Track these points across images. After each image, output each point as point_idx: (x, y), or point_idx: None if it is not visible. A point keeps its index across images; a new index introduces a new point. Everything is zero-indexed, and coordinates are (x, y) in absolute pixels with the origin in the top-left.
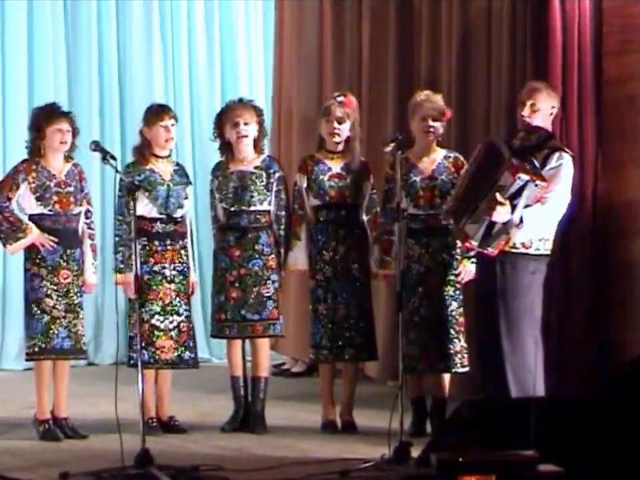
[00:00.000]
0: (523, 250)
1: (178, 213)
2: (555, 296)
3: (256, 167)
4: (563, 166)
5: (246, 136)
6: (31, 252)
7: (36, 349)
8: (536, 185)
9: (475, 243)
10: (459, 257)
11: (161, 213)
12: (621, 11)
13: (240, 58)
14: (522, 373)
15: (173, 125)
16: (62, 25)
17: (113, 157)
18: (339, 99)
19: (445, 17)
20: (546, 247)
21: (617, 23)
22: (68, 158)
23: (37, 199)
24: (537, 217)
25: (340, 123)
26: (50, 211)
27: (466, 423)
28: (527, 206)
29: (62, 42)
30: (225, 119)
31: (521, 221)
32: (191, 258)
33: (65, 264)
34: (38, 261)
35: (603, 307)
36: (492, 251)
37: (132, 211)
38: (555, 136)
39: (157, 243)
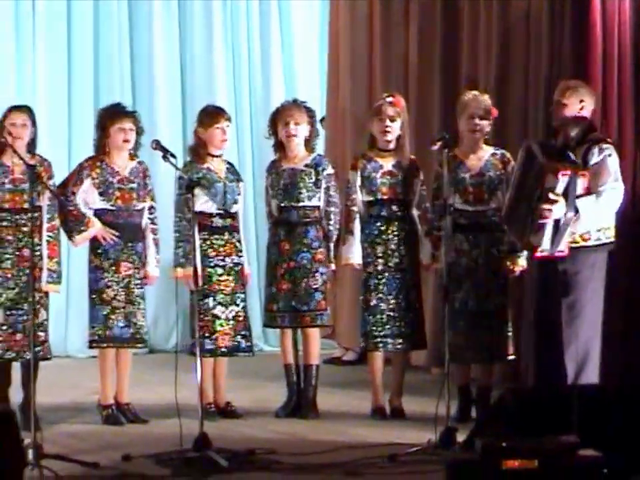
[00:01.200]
0: (583, 243)
1: (234, 208)
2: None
3: (306, 165)
4: (607, 157)
5: (295, 135)
6: (94, 245)
7: (97, 337)
8: (579, 177)
9: (545, 250)
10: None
11: (219, 209)
12: None
13: (296, 58)
14: (582, 362)
15: (227, 126)
16: (126, 26)
17: (173, 155)
18: (389, 99)
19: (485, 18)
20: (607, 236)
21: None
22: (133, 156)
23: (100, 194)
24: (592, 207)
25: (391, 122)
26: (112, 206)
27: (509, 409)
28: (578, 197)
29: (126, 43)
30: (278, 118)
31: (577, 211)
32: (245, 251)
33: (125, 257)
34: (100, 253)
35: None
36: (562, 251)
37: (191, 207)
38: (595, 127)
39: (216, 236)
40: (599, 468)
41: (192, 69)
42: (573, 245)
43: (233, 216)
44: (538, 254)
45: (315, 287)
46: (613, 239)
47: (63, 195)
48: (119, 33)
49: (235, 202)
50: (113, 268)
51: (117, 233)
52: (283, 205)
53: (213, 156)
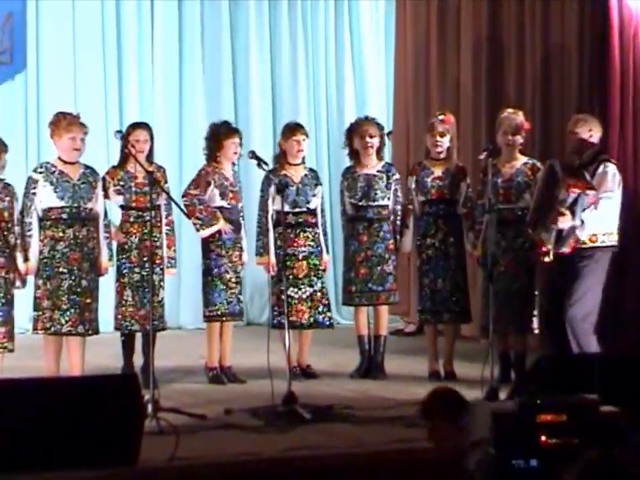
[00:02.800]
0: (590, 244)
1: (308, 207)
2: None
3: (378, 171)
4: (607, 172)
5: (372, 146)
6: (214, 236)
7: (215, 313)
8: (586, 195)
9: (550, 246)
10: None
11: (292, 208)
12: None
13: (367, 82)
14: (584, 336)
15: (304, 139)
16: (229, 55)
17: (266, 163)
18: (440, 117)
19: (530, 49)
20: (610, 239)
21: None
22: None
23: (220, 195)
24: (593, 217)
25: (441, 137)
26: (228, 204)
27: (542, 372)
28: (584, 210)
29: (229, 69)
30: (354, 132)
31: (582, 222)
32: (322, 242)
33: (235, 246)
34: (220, 243)
35: None
36: (565, 249)
37: (271, 206)
38: (603, 150)
39: (289, 230)
40: (617, 421)
41: (280, 90)
42: (582, 246)
43: (309, 213)
44: (543, 248)
45: (388, 271)
46: (615, 243)
47: (193, 196)
48: (223, 60)
49: (308, 202)
50: (228, 255)
51: (232, 227)
52: (360, 204)
53: (291, 164)
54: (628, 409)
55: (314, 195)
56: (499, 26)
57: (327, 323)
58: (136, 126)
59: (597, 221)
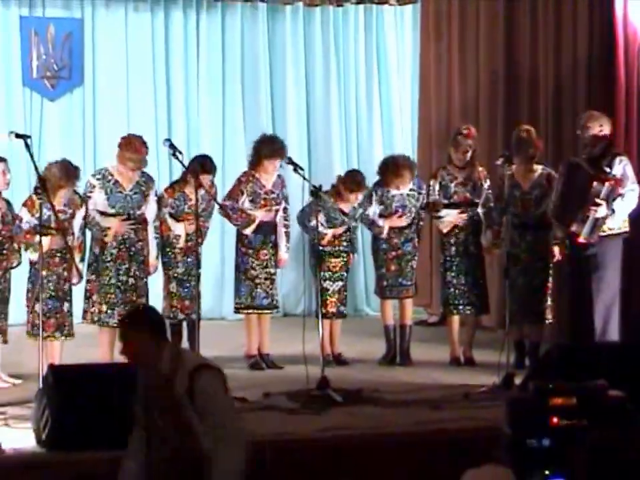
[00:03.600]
0: (609, 232)
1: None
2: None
3: (411, 189)
4: (626, 166)
5: (405, 183)
6: (242, 236)
7: (241, 305)
8: (620, 186)
9: (583, 238)
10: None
11: None
12: None
13: (393, 94)
14: (606, 322)
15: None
16: (268, 83)
17: (301, 168)
18: (464, 131)
19: (543, 66)
20: (625, 226)
21: None
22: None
23: (251, 202)
24: (622, 207)
25: (464, 154)
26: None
27: (554, 360)
28: (614, 200)
29: (268, 95)
30: (389, 171)
31: (613, 211)
32: (353, 242)
33: (264, 245)
34: (246, 242)
35: None
36: (595, 239)
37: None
38: (613, 144)
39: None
40: (623, 404)
41: (314, 112)
42: (602, 234)
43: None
44: (581, 240)
45: (414, 267)
46: (628, 229)
47: (227, 207)
48: (262, 81)
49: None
50: (256, 253)
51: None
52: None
53: None
54: (634, 393)
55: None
56: (515, 45)
57: (344, 313)
58: (207, 170)
59: (625, 210)
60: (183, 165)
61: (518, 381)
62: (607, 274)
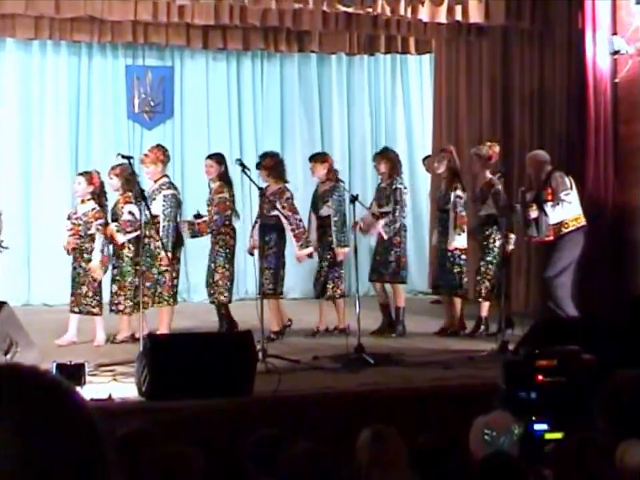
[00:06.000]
0: (565, 230)
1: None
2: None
3: None
4: (559, 178)
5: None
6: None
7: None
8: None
9: (535, 236)
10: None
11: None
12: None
13: (415, 128)
14: (564, 303)
15: None
16: (317, 103)
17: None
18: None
19: (528, 101)
20: (580, 222)
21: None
22: None
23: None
24: (555, 210)
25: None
26: None
27: (540, 331)
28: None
29: (317, 114)
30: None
31: (546, 214)
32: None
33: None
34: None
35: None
36: (548, 237)
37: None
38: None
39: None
40: (593, 366)
41: (354, 137)
42: (561, 232)
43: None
44: (536, 240)
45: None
46: (584, 223)
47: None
48: (316, 118)
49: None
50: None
51: None
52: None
53: None
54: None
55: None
56: (509, 75)
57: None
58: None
59: (558, 213)
60: (250, 179)
61: (511, 347)
62: (562, 261)
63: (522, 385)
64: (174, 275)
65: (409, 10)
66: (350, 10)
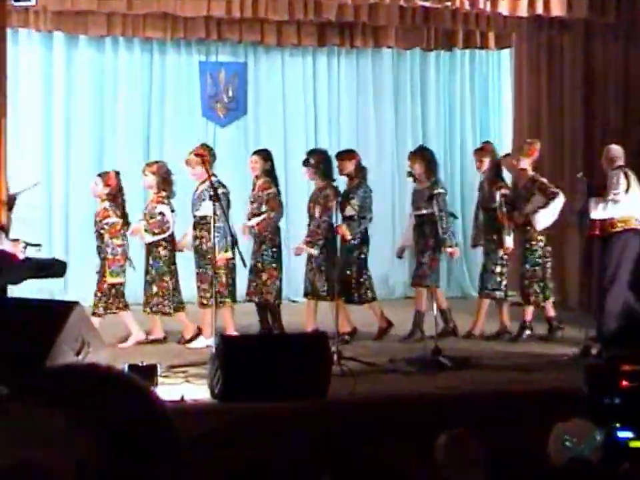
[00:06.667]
0: (612, 229)
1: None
2: None
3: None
4: (614, 177)
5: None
6: None
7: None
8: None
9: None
10: None
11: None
12: None
13: (492, 114)
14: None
15: None
16: (391, 98)
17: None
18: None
19: (612, 91)
20: (628, 224)
21: None
22: None
23: None
24: (598, 207)
25: None
26: None
27: (623, 335)
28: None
29: (392, 109)
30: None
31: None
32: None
33: None
34: None
35: None
36: (593, 231)
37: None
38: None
39: None
40: None
41: (428, 132)
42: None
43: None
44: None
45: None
46: (635, 226)
47: None
48: (389, 114)
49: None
50: None
51: None
52: None
53: None
54: None
55: None
56: (591, 70)
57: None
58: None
59: (611, 210)
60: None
61: (594, 351)
62: (612, 263)
63: (605, 390)
64: (230, 274)
65: (489, 4)
66: (428, 4)
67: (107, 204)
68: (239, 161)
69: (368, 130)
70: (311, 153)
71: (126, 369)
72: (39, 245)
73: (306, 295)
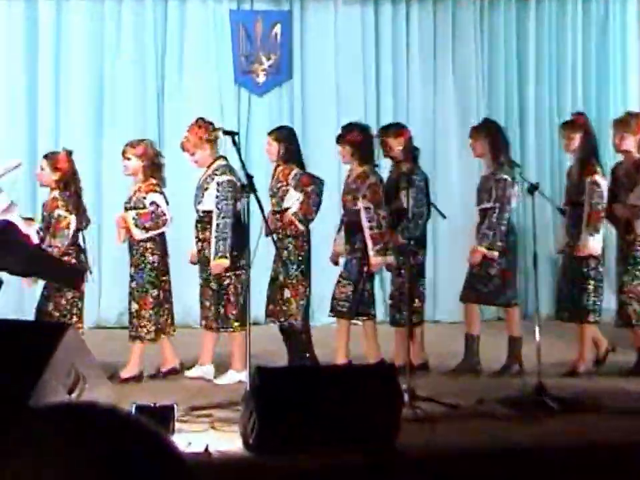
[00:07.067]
0: None
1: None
2: None
3: None
4: None
5: None
6: None
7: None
8: None
9: None
10: None
11: None
12: None
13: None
14: None
15: None
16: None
17: (518, 165)
18: None
19: None
20: None
21: None
22: None
23: None
24: None
25: None
26: None
27: None
28: None
29: (473, 64)
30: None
31: None
32: None
33: None
34: None
35: None
36: None
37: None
38: None
39: None
40: None
41: (526, 91)
42: None
43: None
44: None
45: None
46: None
47: None
48: (472, 62)
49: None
50: None
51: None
52: None
53: None
54: None
55: None
56: None
57: None
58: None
59: None
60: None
61: None
62: None
63: None
64: (240, 288)
65: None
66: None
67: (56, 193)
68: None
69: (446, 100)
70: (348, 128)
71: (133, 411)
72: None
73: (356, 315)
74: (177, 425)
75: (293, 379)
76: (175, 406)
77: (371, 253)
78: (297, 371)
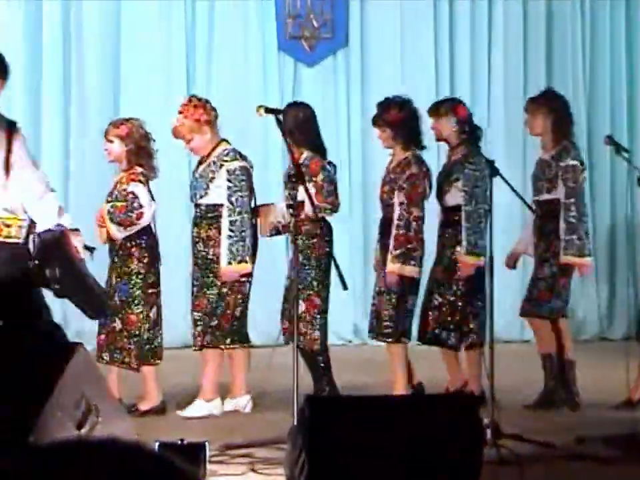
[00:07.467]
0: None
1: None
2: None
3: None
4: None
5: None
6: None
7: None
8: None
9: None
10: None
11: None
12: None
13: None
14: None
15: None
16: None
17: (626, 150)
18: None
19: None
20: None
21: None
22: None
23: None
24: None
25: None
26: None
27: None
28: None
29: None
30: None
31: None
32: None
33: None
34: None
35: None
36: None
37: None
38: None
39: None
40: None
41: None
42: None
43: None
44: None
45: None
46: None
47: None
48: (571, 52)
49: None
50: None
51: None
52: None
53: None
54: None
55: None
56: None
57: None
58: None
59: None
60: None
61: None
62: None
63: None
64: (241, 299)
65: None
66: None
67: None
68: (333, 119)
69: (537, 64)
70: (384, 105)
71: (156, 449)
72: (92, 249)
73: (404, 336)
74: (210, 467)
75: (350, 411)
76: (207, 444)
77: (388, 256)
78: (354, 401)
